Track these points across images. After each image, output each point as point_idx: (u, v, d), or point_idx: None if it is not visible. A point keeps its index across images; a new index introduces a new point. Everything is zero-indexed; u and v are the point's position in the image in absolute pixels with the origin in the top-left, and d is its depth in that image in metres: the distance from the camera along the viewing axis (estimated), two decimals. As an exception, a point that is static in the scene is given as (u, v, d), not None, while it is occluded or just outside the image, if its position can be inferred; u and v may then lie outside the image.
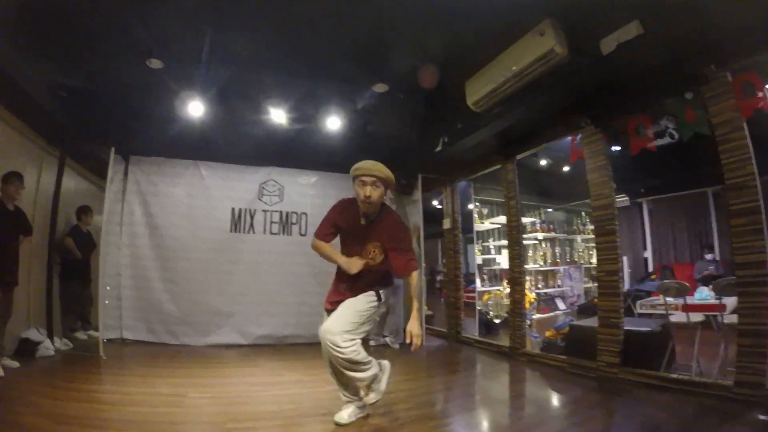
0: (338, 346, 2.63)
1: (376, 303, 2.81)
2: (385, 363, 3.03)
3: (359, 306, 2.77)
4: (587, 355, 4.18)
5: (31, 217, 4.80)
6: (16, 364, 4.05)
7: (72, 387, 3.57)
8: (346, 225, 2.86)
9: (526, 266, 7.57)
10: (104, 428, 2.70)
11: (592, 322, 4.45)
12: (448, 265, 6.74)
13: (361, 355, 2.74)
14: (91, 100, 4.68)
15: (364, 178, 2.71)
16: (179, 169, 5.89)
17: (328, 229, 2.90)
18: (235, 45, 3.96)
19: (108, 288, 5.33)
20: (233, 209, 5.93)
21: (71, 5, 3.38)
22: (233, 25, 3.66)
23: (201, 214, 5.80)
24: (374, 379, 2.89)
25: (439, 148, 5.36)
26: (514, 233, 5.27)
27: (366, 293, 2.81)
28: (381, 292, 2.84)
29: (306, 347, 5.49)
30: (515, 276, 5.24)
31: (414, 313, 2.76)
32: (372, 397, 2.90)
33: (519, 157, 5.29)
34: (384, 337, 5.94)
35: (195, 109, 4.83)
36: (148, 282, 5.60)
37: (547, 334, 4.89)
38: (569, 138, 4.70)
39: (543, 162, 7.46)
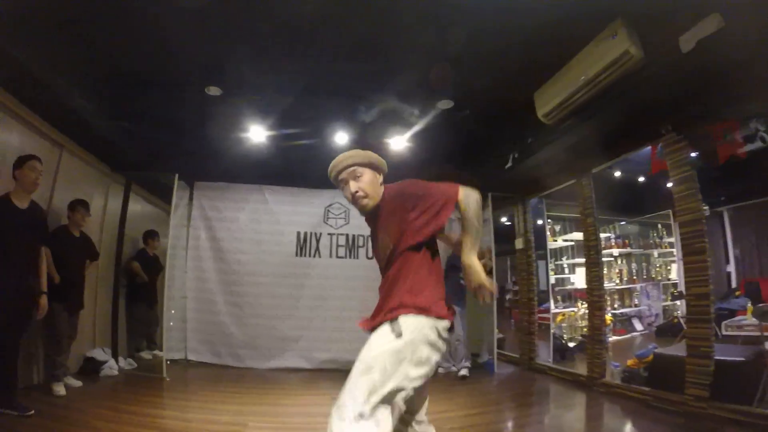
0: None
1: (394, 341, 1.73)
2: None
3: (372, 350, 1.77)
4: (673, 387, 3.72)
5: (98, 241, 4.97)
6: (78, 383, 4.13)
7: (133, 410, 3.56)
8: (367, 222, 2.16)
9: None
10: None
11: (678, 349, 4.03)
12: (520, 287, 6.41)
13: None
14: (154, 129, 4.77)
15: (342, 176, 2.01)
16: (243, 193, 5.94)
17: None
18: (294, 70, 3.89)
19: (173, 312, 5.42)
20: (298, 233, 5.90)
21: (129, 38, 3.44)
22: (291, 51, 3.60)
23: (266, 239, 5.80)
24: None
25: (509, 165, 5.07)
26: (592, 253, 4.87)
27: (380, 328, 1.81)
28: (400, 319, 1.76)
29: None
30: (594, 299, 4.83)
31: (467, 251, 1.85)
32: None
33: (595, 171, 4.90)
34: (454, 366, 5.55)
35: (256, 134, 4.84)
36: (213, 305, 5.64)
37: (629, 362, 4.44)
38: (648, 147, 4.32)
39: (617, 173, 6.97)
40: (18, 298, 3.27)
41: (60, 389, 3.82)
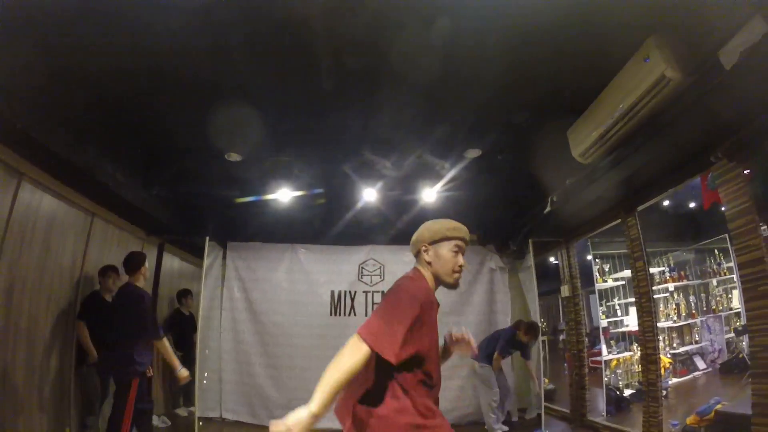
0: None
1: None
2: None
3: None
4: None
5: None
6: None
7: None
8: (428, 318, 1.74)
9: (658, 324, 6.62)
10: None
11: (744, 405, 3.48)
12: (569, 336, 6.06)
13: None
14: (183, 194, 4.88)
15: (460, 243, 1.85)
16: (277, 253, 5.96)
17: (403, 336, 1.57)
18: (314, 128, 3.90)
19: (206, 375, 5.43)
20: (332, 292, 5.85)
21: (149, 112, 3.61)
22: (309, 110, 3.63)
23: (301, 299, 5.76)
24: None
25: (548, 209, 4.81)
26: (644, 300, 4.46)
27: None
28: None
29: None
30: (648, 352, 4.39)
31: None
32: None
33: (641, 208, 4.54)
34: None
35: (284, 195, 4.84)
36: (250, 366, 5.61)
37: (688, 421, 4.04)
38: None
39: (666, 202, 6.55)
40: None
41: None
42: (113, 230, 4.88)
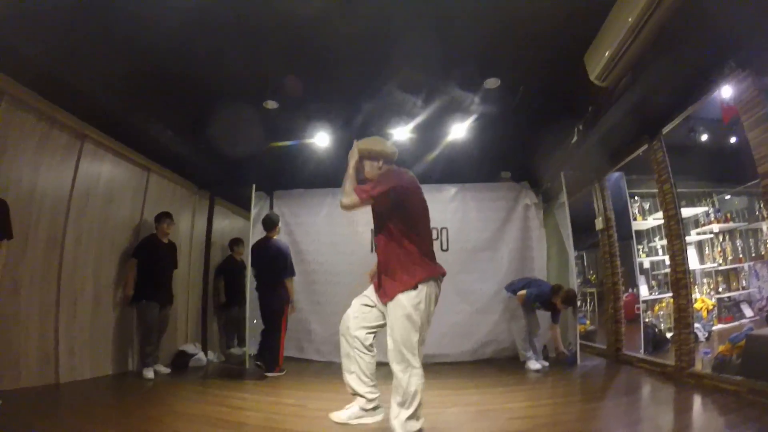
0: None
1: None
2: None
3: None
4: None
5: (188, 252, 5.77)
6: (167, 370, 4.75)
7: (208, 392, 4.02)
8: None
9: (701, 266, 6.57)
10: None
11: None
12: (604, 272, 6.06)
13: None
14: (229, 146, 5.22)
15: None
16: (318, 198, 6.33)
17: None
18: (344, 76, 4.16)
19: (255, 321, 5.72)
20: (372, 230, 6.02)
21: (191, 65, 3.89)
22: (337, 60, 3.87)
23: (341, 240, 6.08)
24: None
25: (575, 139, 4.87)
26: (672, 224, 4.47)
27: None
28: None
29: (450, 367, 5.39)
30: (678, 278, 4.37)
31: None
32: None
33: (665, 130, 4.46)
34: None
35: (321, 139, 5.14)
36: (297, 304, 5.87)
37: (720, 348, 3.87)
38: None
39: (704, 137, 6.38)
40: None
41: (149, 374, 4.39)
42: (167, 184, 5.47)
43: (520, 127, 5.09)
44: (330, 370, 5.15)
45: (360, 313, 2.74)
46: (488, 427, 2.91)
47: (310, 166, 5.72)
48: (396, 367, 2.44)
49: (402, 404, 2.40)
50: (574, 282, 5.66)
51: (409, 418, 2.39)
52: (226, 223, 6.86)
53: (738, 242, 7.18)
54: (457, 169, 5.91)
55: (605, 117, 4.38)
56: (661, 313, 6.41)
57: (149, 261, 4.67)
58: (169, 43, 3.50)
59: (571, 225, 5.75)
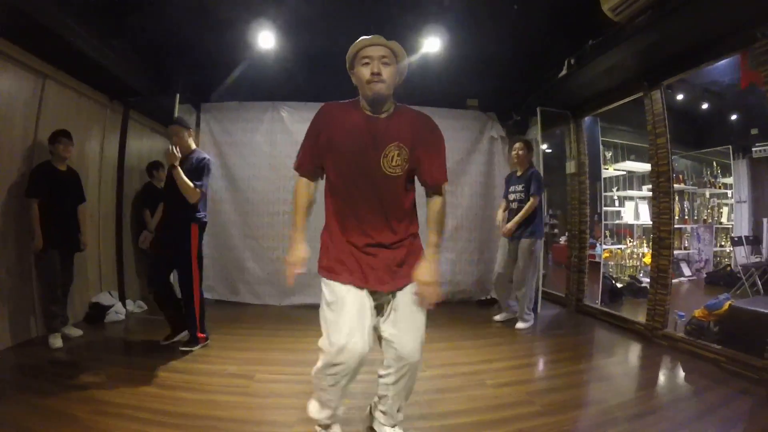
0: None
1: None
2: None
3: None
4: (752, 349, 3.11)
5: (98, 178, 4.63)
6: (78, 332, 3.79)
7: (131, 362, 3.24)
8: (343, 131, 1.84)
9: (643, 222, 6.48)
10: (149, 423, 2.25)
11: (756, 304, 3.51)
12: (571, 218, 5.71)
13: None
14: (145, 45, 4.20)
15: (369, 51, 1.78)
16: (256, 113, 5.31)
17: (311, 153, 1.91)
18: None
19: None
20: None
21: None
22: None
23: (284, 163, 5.09)
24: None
25: (563, 73, 4.30)
26: (662, 180, 4.14)
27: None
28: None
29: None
30: (662, 236, 4.14)
31: (430, 251, 1.84)
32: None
33: (667, 82, 4.08)
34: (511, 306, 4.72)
35: (265, 40, 4.20)
36: (229, 239, 5.22)
37: (696, 313, 3.81)
38: (731, 58, 3.56)
39: (679, 97, 6.10)
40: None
41: (56, 341, 3.48)
42: (71, 96, 4.23)
43: (501, 48, 4.36)
44: (268, 317, 4.71)
45: None
46: (479, 397, 2.70)
47: (249, 74, 4.70)
48: None
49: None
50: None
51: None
52: (143, 143, 5.68)
53: (686, 203, 7.24)
54: (417, 90, 5.08)
55: (605, 55, 3.87)
56: (611, 263, 6.43)
57: (46, 196, 3.57)
58: None
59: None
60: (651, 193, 4.42)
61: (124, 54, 4.15)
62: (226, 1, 3.75)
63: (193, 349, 3.46)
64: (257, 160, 5.21)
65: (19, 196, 3.51)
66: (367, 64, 1.77)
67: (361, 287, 1.79)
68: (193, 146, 3.62)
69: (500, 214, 4.70)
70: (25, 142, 3.69)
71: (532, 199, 4.30)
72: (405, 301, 1.83)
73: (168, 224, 3.57)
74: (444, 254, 5.33)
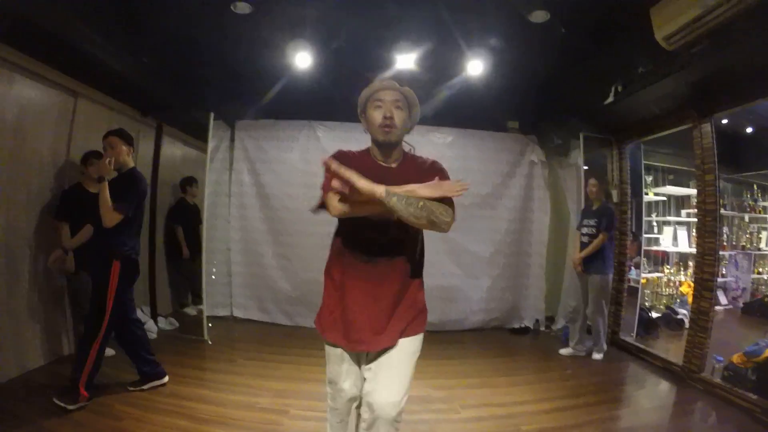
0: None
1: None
2: None
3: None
4: None
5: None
6: (111, 352, 3.63)
7: (162, 390, 3.18)
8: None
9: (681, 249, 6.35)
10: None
11: None
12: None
13: None
14: (180, 61, 4.21)
15: (382, 95, 1.79)
16: (291, 131, 5.27)
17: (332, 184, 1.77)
18: None
19: (214, 270, 5.06)
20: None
21: None
22: None
23: (318, 182, 5.06)
24: None
25: (610, 100, 4.17)
26: (708, 219, 3.96)
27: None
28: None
29: (433, 335, 4.81)
30: (705, 278, 3.98)
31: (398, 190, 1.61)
32: None
33: (719, 115, 3.94)
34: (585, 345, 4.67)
35: (302, 60, 4.19)
36: (260, 258, 5.19)
37: (734, 358, 3.68)
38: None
39: (724, 121, 5.90)
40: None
41: None
42: (103, 113, 4.22)
43: (547, 72, 4.27)
44: (300, 338, 4.64)
45: None
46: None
47: (286, 93, 4.69)
48: None
49: None
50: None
51: None
52: (177, 155, 5.70)
53: (724, 229, 6.98)
54: (457, 111, 5.03)
55: (657, 84, 3.74)
56: (647, 291, 6.20)
57: (78, 218, 3.51)
58: None
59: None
60: (691, 219, 4.26)
61: (156, 70, 4.16)
62: (264, 22, 3.74)
63: (67, 406, 2.72)
64: (291, 178, 5.15)
65: (50, 217, 3.53)
66: (379, 107, 1.79)
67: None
68: (131, 164, 3.17)
69: (573, 248, 4.76)
70: (56, 162, 3.70)
71: (601, 236, 4.32)
72: (389, 354, 1.77)
73: (90, 250, 3.26)
74: (480, 281, 5.30)
